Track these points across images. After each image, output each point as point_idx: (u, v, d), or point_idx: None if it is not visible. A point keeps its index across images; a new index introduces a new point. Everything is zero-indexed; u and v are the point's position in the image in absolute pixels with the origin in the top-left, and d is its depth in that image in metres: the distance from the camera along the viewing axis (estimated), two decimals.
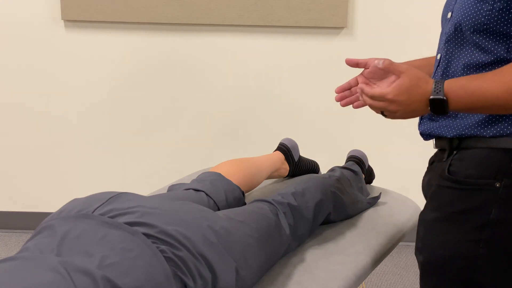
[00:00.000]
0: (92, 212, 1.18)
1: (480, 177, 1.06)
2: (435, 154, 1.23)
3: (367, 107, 1.21)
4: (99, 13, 2.60)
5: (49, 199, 2.88)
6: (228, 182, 1.67)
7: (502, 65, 1.04)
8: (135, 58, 2.69)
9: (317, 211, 1.60)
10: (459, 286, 1.10)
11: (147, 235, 1.13)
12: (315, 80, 2.67)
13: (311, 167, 2.05)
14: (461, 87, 1.04)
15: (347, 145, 2.49)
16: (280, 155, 1.96)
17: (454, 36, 1.12)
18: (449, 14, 1.15)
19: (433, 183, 1.17)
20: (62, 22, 2.66)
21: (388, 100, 1.07)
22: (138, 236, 1.12)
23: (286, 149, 1.98)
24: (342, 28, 2.59)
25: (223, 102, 2.72)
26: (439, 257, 1.12)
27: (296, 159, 1.99)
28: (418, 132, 1.24)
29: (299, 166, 2.01)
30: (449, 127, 1.13)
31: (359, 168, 1.96)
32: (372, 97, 1.10)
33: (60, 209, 1.23)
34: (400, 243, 1.74)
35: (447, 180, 1.10)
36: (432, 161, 1.24)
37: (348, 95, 1.32)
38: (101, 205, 1.20)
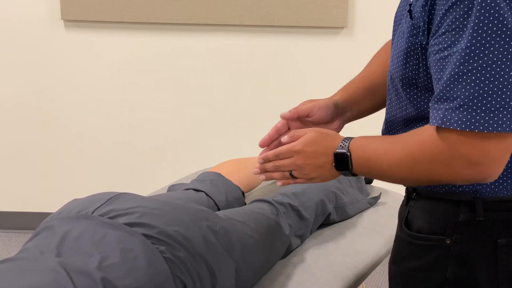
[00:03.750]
0: (92, 213, 1.18)
1: (430, 232, 1.01)
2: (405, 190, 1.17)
3: None
4: (99, 13, 2.59)
5: (49, 199, 2.88)
6: (228, 182, 1.66)
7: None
8: (135, 58, 2.69)
9: (317, 211, 1.60)
10: None
11: (146, 236, 1.13)
12: (315, 80, 2.67)
13: None
14: (361, 147, 1.01)
15: None
16: None
17: (391, 85, 1.07)
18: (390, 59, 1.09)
19: (397, 228, 1.13)
20: (62, 22, 2.66)
21: (296, 151, 1.06)
22: (138, 237, 1.12)
23: None
24: (342, 28, 2.59)
25: (223, 102, 2.72)
26: None
27: None
28: None
29: None
30: None
31: None
32: (278, 155, 1.09)
33: (60, 209, 1.23)
34: None
35: (404, 232, 1.06)
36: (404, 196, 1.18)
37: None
38: (100, 205, 1.20)
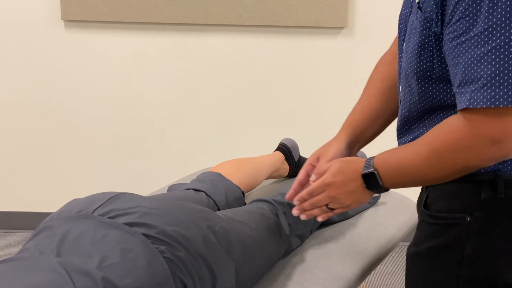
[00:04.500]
0: (92, 213, 1.18)
1: (451, 211, 1.03)
2: None
3: None
4: (99, 13, 2.59)
5: (49, 199, 2.88)
6: (228, 182, 1.66)
7: (447, 112, 1.02)
8: (135, 58, 2.69)
9: None
10: None
11: (146, 236, 1.13)
12: (315, 80, 2.67)
13: None
14: (385, 161, 1.05)
15: None
16: (280, 155, 1.96)
17: (405, 81, 1.09)
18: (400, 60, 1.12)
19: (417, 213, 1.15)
20: (62, 22, 2.66)
21: (327, 184, 1.12)
22: (138, 237, 1.12)
23: (286, 149, 1.98)
24: (342, 28, 2.59)
25: (223, 102, 2.72)
26: None
27: (296, 159, 1.99)
28: None
29: (299, 166, 2.01)
30: None
31: None
32: (311, 193, 1.15)
33: (60, 209, 1.23)
34: (400, 243, 1.74)
35: (424, 214, 1.08)
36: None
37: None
38: (101, 205, 1.20)
